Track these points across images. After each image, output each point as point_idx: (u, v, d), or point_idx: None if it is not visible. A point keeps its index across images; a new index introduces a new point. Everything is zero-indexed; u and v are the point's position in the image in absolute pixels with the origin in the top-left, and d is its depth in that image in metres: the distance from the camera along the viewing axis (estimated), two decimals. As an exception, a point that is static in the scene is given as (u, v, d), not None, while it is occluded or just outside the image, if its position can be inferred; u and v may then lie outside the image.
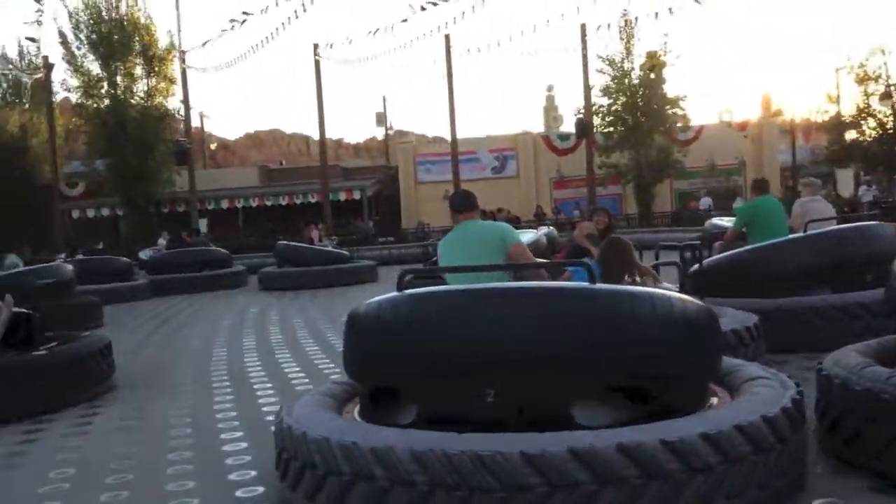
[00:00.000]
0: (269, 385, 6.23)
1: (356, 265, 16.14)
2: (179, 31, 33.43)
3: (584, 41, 27.15)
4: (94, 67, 28.49)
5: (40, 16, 17.16)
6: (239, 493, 3.58)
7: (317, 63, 27.82)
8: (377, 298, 3.43)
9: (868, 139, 27.06)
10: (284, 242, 17.50)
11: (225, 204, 30.49)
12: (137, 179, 27.27)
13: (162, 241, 21.62)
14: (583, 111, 27.86)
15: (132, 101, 28.32)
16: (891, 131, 26.30)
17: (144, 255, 20.78)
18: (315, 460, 2.97)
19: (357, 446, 2.83)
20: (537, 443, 2.69)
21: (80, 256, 16.12)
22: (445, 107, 27.20)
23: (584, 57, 27.48)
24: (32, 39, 21.02)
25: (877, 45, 26.43)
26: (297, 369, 6.92)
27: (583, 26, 26.85)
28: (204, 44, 22.42)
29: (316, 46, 27.54)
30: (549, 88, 42.87)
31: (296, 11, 17.93)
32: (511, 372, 3.05)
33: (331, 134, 34.65)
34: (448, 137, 28.98)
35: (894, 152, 26.04)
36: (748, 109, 35.29)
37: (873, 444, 3.20)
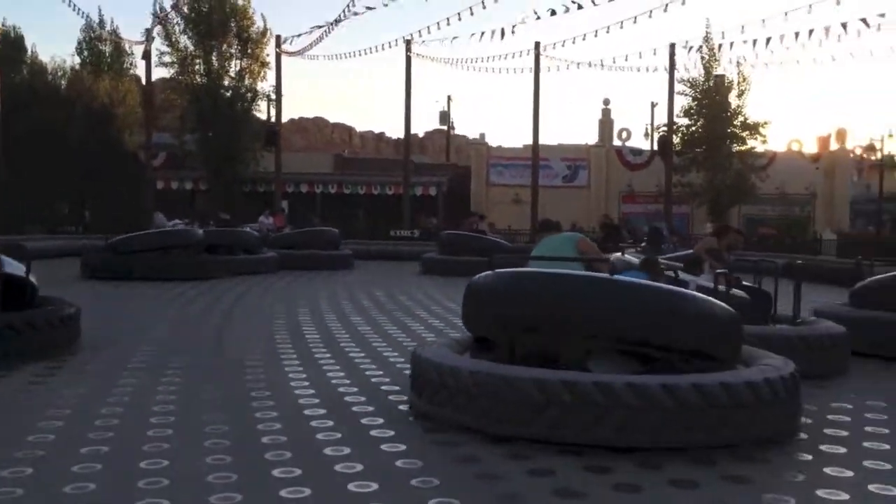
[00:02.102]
0: (406, 337, 7.98)
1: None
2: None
3: (671, 60, 27.68)
4: (189, 44, 29.27)
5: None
6: (391, 398, 5.25)
7: (408, 59, 28.39)
8: (480, 275, 4.93)
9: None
10: (452, 232, 18.15)
11: (304, 188, 31.16)
12: (227, 157, 27.99)
13: (262, 220, 22.23)
14: (664, 129, 28.47)
15: (224, 81, 29.06)
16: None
17: (245, 231, 21.39)
18: (432, 377, 4.44)
19: (442, 366, 4.39)
20: (541, 374, 4.04)
21: (212, 227, 16.80)
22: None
23: (671, 77, 28.03)
24: (156, 15, 21.70)
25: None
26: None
27: (672, 46, 27.43)
28: (308, 35, 22.96)
29: (409, 43, 28.06)
30: (606, 102, 43.31)
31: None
32: (561, 331, 4.50)
33: (372, 127, 35.22)
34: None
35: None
36: (819, 141, 35.47)
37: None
